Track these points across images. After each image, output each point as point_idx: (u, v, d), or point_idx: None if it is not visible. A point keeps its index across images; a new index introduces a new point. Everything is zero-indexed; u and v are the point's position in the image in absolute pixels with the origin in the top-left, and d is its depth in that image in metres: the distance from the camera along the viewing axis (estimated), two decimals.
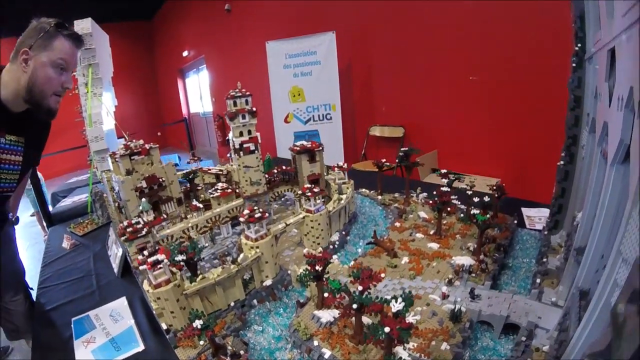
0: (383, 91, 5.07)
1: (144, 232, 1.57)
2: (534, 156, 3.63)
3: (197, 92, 10.89)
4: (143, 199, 1.90)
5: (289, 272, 1.62)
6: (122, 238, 1.58)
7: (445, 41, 4.11)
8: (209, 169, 2.72)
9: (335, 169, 2.14)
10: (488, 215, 1.50)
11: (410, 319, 0.90)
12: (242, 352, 1.18)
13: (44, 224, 3.60)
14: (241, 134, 1.89)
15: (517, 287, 1.46)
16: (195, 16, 8.82)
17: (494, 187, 1.91)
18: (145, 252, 1.29)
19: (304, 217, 1.72)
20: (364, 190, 2.61)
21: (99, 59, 2.59)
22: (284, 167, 2.19)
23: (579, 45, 1.38)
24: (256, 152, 1.93)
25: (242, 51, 7.27)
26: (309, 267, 1.25)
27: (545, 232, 1.64)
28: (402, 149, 2.25)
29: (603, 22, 1.00)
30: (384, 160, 2.41)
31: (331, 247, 1.81)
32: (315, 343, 1.19)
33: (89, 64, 2.55)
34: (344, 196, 1.97)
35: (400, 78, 4.75)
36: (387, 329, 0.88)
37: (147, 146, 2.02)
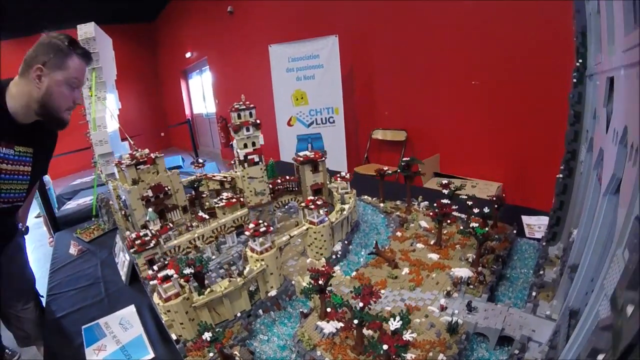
0: (385, 95, 5.11)
1: (152, 245, 1.62)
2: (537, 160, 3.66)
3: (200, 93, 10.95)
4: (150, 209, 1.95)
5: (293, 282, 1.66)
6: (131, 250, 1.63)
7: (447, 45, 4.13)
8: (214, 176, 2.77)
9: (338, 178, 2.18)
10: (487, 229, 1.53)
11: (408, 336, 0.95)
12: None
13: (50, 226, 3.65)
14: (245, 146, 1.93)
15: (514, 299, 1.50)
16: (198, 18, 8.86)
17: (494, 198, 1.94)
18: (155, 267, 1.34)
19: (307, 229, 1.77)
20: (366, 197, 2.65)
21: (103, 62, 2.60)
22: (287, 177, 2.23)
23: (580, 61, 1.37)
24: (260, 163, 1.97)
25: (244, 53, 7.31)
26: (312, 282, 1.30)
27: (544, 244, 1.67)
28: (403, 159, 2.28)
29: (604, 46, 0.99)
30: (386, 168, 2.45)
31: (334, 256, 1.85)
32: (319, 353, 1.24)
33: (93, 68, 2.54)
34: (346, 206, 2.01)
35: (403, 82, 4.79)
36: (385, 347, 0.93)
37: (152, 155, 2.07)
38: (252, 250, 1.56)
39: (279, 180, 2.22)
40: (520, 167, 3.88)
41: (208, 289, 1.38)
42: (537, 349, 1.10)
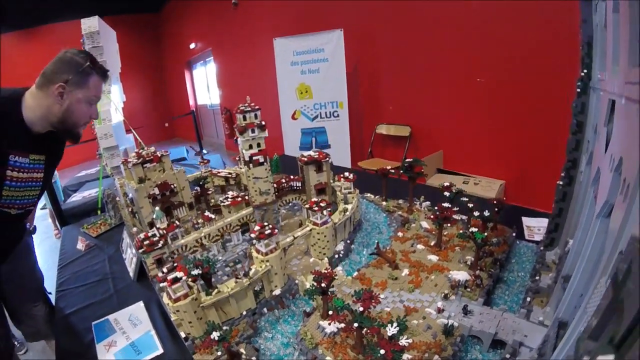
0: (390, 90, 5.10)
1: (160, 245, 1.68)
2: (539, 159, 3.67)
3: (204, 84, 10.92)
4: (156, 208, 1.99)
5: (297, 281, 1.72)
6: (140, 250, 1.68)
7: (452, 43, 4.11)
8: (219, 172, 2.82)
9: (342, 179, 2.21)
10: (486, 234, 1.57)
11: (404, 341, 1.00)
12: (253, 358, 1.29)
13: (55, 219, 3.70)
14: (250, 147, 1.97)
15: (509, 302, 1.54)
16: (203, 9, 8.79)
17: (495, 201, 1.97)
18: (165, 270, 1.39)
19: (310, 230, 1.81)
20: (369, 195, 2.69)
21: (107, 56, 2.58)
22: (291, 177, 2.27)
23: (585, 71, 1.37)
24: (265, 163, 2.01)
25: (249, 45, 7.27)
26: (315, 284, 1.35)
27: (541, 248, 1.71)
28: (407, 160, 2.31)
29: (608, 64, 0.98)
30: (389, 167, 2.47)
31: (336, 256, 1.90)
32: (320, 351, 1.29)
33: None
34: (349, 206, 2.05)
35: (407, 77, 4.77)
36: (382, 352, 0.98)
37: (158, 153, 2.10)
38: (258, 251, 1.61)
39: (284, 180, 2.26)
40: (522, 166, 3.89)
41: (215, 290, 1.44)
42: (527, 354, 1.15)
